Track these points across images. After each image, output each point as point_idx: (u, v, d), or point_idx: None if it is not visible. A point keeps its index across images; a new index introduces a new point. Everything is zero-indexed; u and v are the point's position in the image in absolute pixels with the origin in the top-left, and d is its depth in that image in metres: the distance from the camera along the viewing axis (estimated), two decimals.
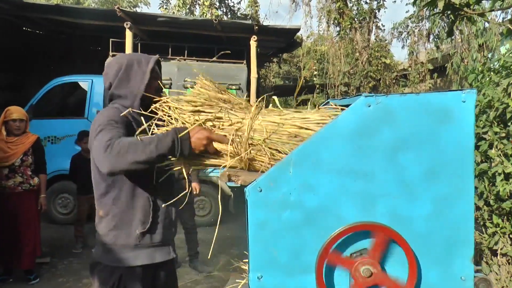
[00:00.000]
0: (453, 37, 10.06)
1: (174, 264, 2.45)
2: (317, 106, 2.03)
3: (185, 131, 1.81)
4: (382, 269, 1.60)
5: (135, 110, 2.16)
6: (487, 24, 8.76)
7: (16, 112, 4.76)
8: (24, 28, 9.86)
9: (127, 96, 2.22)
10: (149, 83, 2.25)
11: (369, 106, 1.58)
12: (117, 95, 2.25)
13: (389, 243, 1.59)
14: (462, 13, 3.00)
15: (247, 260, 1.70)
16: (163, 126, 1.93)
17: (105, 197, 2.17)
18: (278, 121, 1.80)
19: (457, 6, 2.95)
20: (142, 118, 2.02)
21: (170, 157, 1.87)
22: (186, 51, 8.12)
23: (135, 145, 1.83)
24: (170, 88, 7.84)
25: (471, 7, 2.92)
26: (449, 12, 3.07)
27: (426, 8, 3.87)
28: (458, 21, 3.17)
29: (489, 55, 8.90)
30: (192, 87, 7.17)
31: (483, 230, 3.90)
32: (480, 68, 4.10)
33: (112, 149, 1.84)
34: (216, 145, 1.84)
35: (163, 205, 2.24)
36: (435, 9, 3.22)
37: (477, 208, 3.87)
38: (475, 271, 1.61)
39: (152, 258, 2.19)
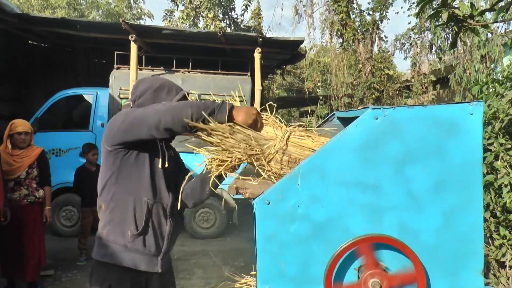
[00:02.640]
0: (455, 49, 10.08)
1: (165, 278, 2.40)
2: (319, 117, 2.05)
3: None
4: (388, 272, 1.59)
5: None
6: (489, 35, 8.79)
7: (21, 125, 4.78)
8: (29, 41, 9.93)
9: None
10: None
11: (377, 118, 1.58)
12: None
13: (374, 246, 1.58)
14: (466, 24, 3.01)
15: (254, 272, 1.69)
16: None
17: (106, 192, 2.20)
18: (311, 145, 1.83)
19: (461, 17, 2.96)
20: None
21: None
22: (190, 63, 8.15)
23: (182, 104, 1.95)
24: None
25: (475, 18, 2.93)
26: (452, 23, 3.09)
27: (429, 19, 3.89)
28: (462, 33, 3.18)
29: (492, 66, 8.91)
30: (196, 100, 7.10)
31: (490, 242, 3.88)
32: (484, 80, 4.10)
33: (163, 106, 1.95)
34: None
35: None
36: (438, 21, 3.23)
37: (484, 220, 3.85)
38: (484, 284, 1.60)
39: (136, 264, 2.16)
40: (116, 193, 2.18)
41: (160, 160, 2.20)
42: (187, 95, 2.35)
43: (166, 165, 2.21)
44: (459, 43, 10.08)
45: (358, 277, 1.60)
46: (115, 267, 2.15)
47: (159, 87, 2.31)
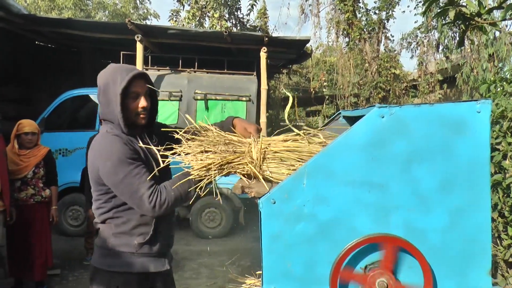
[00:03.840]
0: (463, 47, 10.02)
1: (171, 275, 2.40)
2: (325, 117, 2.05)
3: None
4: (397, 280, 1.58)
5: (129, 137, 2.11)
6: (497, 34, 8.72)
7: (28, 125, 4.81)
8: (36, 42, 9.98)
9: (113, 121, 2.10)
10: (125, 105, 2.07)
11: (383, 117, 1.57)
12: (105, 116, 2.15)
13: (398, 252, 1.57)
14: (473, 22, 2.99)
15: (260, 272, 1.69)
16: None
17: (104, 207, 2.13)
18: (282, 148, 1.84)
19: (468, 15, 2.93)
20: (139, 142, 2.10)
21: None
22: (196, 63, 8.16)
23: (180, 194, 1.97)
24: (180, 100, 7.87)
25: (482, 16, 2.91)
26: (460, 22, 3.06)
27: (436, 18, 3.86)
28: (469, 31, 3.16)
29: (500, 65, 8.85)
30: (202, 99, 7.15)
31: (498, 242, 3.84)
32: (492, 78, 4.07)
33: (158, 206, 1.95)
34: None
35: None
36: (445, 19, 3.21)
37: (492, 220, 3.82)
38: (492, 284, 1.58)
39: (146, 268, 2.14)
40: (116, 207, 2.10)
41: (155, 165, 2.07)
42: (142, 73, 2.16)
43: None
44: (466, 42, 10.02)
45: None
46: (124, 274, 2.12)
47: (105, 84, 2.11)
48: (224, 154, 1.85)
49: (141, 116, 2.12)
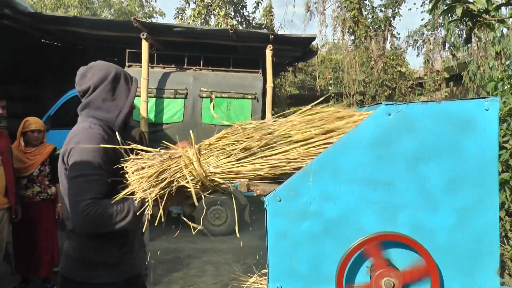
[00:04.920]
0: (469, 45, 9.96)
1: (142, 280, 2.35)
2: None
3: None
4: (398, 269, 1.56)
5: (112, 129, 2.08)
6: (505, 31, 8.65)
7: (34, 123, 4.83)
8: (42, 40, 10.01)
9: (110, 110, 2.09)
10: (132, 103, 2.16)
11: (390, 114, 1.55)
12: (97, 106, 2.09)
13: (382, 245, 1.55)
14: (481, 19, 2.96)
15: (265, 270, 1.68)
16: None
17: None
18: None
19: (476, 12, 2.91)
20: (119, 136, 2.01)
21: None
22: (202, 61, 8.16)
23: (116, 216, 1.84)
24: (186, 98, 7.87)
25: (490, 13, 2.88)
26: (467, 19, 3.04)
27: (443, 15, 3.83)
28: (476, 28, 3.13)
29: (507, 63, 8.78)
30: (208, 97, 7.14)
31: (505, 241, 3.82)
32: (499, 76, 4.04)
33: (90, 217, 1.81)
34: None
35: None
36: (452, 16, 3.18)
37: (499, 219, 3.80)
38: (500, 283, 1.57)
39: (122, 275, 2.08)
40: None
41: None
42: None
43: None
44: (473, 39, 9.96)
45: (371, 276, 1.58)
46: (102, 285, 2.03)
47: (115, 75, 2.11)
48: (161, 164, 1.76)
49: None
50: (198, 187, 1.77)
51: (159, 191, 1.75)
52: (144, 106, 7.38)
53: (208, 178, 1.74)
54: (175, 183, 1.75)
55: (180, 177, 1.75)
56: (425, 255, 1.53)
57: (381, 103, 1.60)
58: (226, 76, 8.08)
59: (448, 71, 11.97)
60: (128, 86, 2.15)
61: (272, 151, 1.73)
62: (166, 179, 1.74)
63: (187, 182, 1.73)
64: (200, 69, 8.17)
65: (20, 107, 9.01)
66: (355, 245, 1.54)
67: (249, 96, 7.87)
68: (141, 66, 7.58)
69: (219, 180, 1.75)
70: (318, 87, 14.60)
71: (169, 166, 1.75)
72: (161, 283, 5.34)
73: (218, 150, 1.78)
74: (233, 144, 1.76)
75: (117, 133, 2.03)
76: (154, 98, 7.81)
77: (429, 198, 1.57)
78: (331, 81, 15.22)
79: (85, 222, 1.82)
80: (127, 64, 8.07)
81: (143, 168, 1.78)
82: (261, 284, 2.22)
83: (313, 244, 1.57)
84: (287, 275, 1.58)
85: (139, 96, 7.46)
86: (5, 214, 4.42)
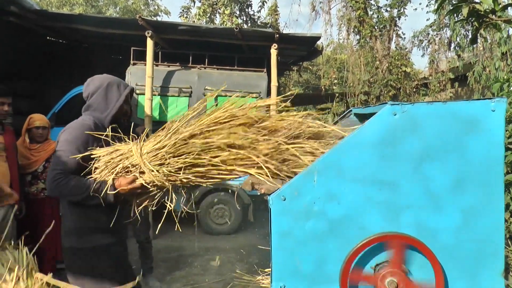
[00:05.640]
0: (475, 45, 9.92)
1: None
2: (335, 115, 2.05)
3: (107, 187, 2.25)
4: (408, 277, 1.56)
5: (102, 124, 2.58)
6: (511, 32, 8.61)
7: (39, 119, 4.84)
8: (48, 38, 10.03)
9: (102, 111, 2.63)
10: (121, 105, 2.65)
11: (395, 114, 1.55)
12: (94, 107, 2.64)
13: (406, 249, 1.55)
14: (487, 20, 2.95)
15: (269, 269, 1.68)
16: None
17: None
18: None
19: (482, 12, 2.89)
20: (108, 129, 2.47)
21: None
22: (206, 60, 8.15)
23: (76, 189, 2.31)
24: (190, 96, 7.87)
25: (497, 13, 2.86)
26: (473, 19, 3.02)
27: (449, 15, 3.81)
28: (482, 28, 3.12)
29: None
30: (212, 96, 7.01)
31: (510, 243, 3.80)
32: (505, 77, 4.02)
33: (57, 183, 2.32)
34: (138, 182, 2.19)
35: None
36: (458, 16, 3.16)
37: (504, 220, 3.77)
38: (505, 285, 1.56)
39: (114, 237, 2.59)
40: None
41: None
42: (133, 89, 2.79)
43: None
44: (479, 40, 9.91)
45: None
46: (99, 246, 2.59)
47: (109, 84, 2.66)
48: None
49: (127, 116, 2.76)
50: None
51: (113, 175, 2.23)
52: (149, 104, 7.39)
53: (146, 166, 2.10)
54: (128, 169, 2.21)
55: (128, 165, 2.18)
56: (430, 256, 1.52)
57: (386, 103, 1.59)
58: (231, 74, 8.07)
59: (453, 71, 11.92)
60: (120, 92, 2.68)
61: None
62: (119, 165, 2.20)
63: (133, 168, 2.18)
64: (205, 68, 8.16)
65: (25, 104, 9.03)
66: (360, 245, 1.54)
67: (254, 95, 7.86)
68: (145, 64, 7.58)
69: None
70: (322, 87, 14.57)
71: (118, 155, 2.22)
72: (163, 281, 5.34)
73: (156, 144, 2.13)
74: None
75: (109, 128, 2.50)
76: (159, 96, 7.81)
77: (434, 199, 1.57)
78: (335, 81, 15.20)
79: (53, 187, 2.34)
80: (132, 62, 8.07)
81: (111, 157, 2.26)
82: (264, 283, 2.21)
83: (317, 243, 1.57)
84: (291, 275, 1.58)
85: (143, 94, 7.47)
86: (10, 211, 4.43)
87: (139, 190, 2.21)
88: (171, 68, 8.13)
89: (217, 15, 13.95)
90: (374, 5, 12.30)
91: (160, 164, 2.08)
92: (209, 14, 13.59)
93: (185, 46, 8.35)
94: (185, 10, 14.16)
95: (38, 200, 4.81)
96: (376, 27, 12.13)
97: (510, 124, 3.66)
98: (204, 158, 1.96)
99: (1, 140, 4.29)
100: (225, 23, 13.19)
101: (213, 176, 2.00)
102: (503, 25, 3.16)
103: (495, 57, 9.10)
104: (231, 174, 1.96)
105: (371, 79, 12.56)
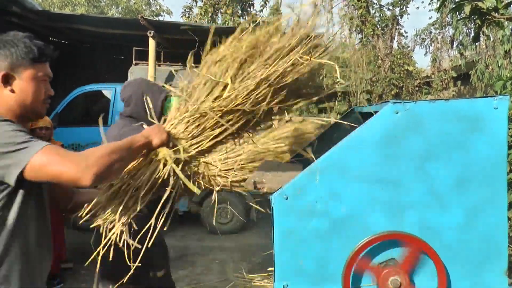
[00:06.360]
0: (478, 43, 9.90)
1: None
2: (337, 114, 2.04)
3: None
4: (411, 281, 1.56)
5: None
6: None
7: (42, 120, 4.85)
8: (50, 38, 10.05)
9: (137, 118, 2.55)
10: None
11: (397, 113, 1.55)
12: (130, 116, 2.64)
13: (421, 256, 1.55)
14: (490, 17, 2.94)
15: (272, 268, 1.68)
16: None
17: None
18: None
19: (485, 10, 2.88)
20: None
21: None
22: None
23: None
24: None
25: (499, 11, 2.86)
26: (475, 17, 3.01)
27: (451, 13, 3.80)
28: (485, 26, 3.11)
29: None
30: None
31: None
32: (508, 75, 4.01)
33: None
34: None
35: None
36: (461, 14, 3.16)
37: (507, 219, 3.76)
38: (508, 284, 1.55)
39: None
40: None
41: None
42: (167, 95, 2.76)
43: None
44: (481, 38, 9.89)
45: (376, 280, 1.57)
46: None
47: (144, 92, 2.62)
48: None
49: None
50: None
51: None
52: None
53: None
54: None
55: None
56: (432, 255, 1.52)
57: (388, 101, 1.59)
58: None
59: (456, 70, 11.91)
60: (156, 98, 2.68)
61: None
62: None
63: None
64: None
65: None
66: (362, 244, 1.53)
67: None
68: (148, 64, 7.59)
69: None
70: (324, 86, 14.54)
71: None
72: None
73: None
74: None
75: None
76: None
77: (436, 198, 1.56)
78: (337, 80, 15.16)
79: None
80: (134, 62, 8.08)
81: None
82: (267, 282, 2.22)
83: (320, 242, 1.56)
84: (294, 274, 1.57)
85: None
86: None
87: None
88: (174, 68, 8.13)
89: (219, 14, 13.95)
90: (376, 3, 12.30)
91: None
92: (211, 14, 13.58)
93: (187, 46, 8.35)
94: (187, 10, 14.16)
95: None
96: (378, 26, 12.12)
97: None
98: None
99: None
100: (227, 22, 13.19)
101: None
102: (506, 23, 3.15)
103: (498, 55, 9.09)
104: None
105: (373, 78, 12.54)
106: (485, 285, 1.55)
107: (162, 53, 8.22)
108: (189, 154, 1.78)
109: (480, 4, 2.79)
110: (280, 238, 1.57)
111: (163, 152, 1.75)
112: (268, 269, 2.02)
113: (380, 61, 12.32)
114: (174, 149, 1.77)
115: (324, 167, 1.55)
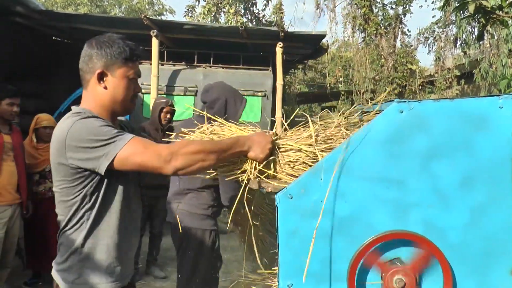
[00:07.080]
0: (482, 42, 9.86)
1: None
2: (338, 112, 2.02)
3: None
4: (417, 284, 1.55)
5: None
6: None
7: (46, 119, 4.87)
8: (53, 38, 10.07)
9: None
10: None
11: (402, 112, 1.54)
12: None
13: (432, 259, 1.54)
14: (494, 16, 2.93)
15: (276, 268, 1.68)
16: None
17: None
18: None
19: (489, 9, 2.87)
20: None
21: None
22: (212, 58, 8.15)
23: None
24: (196, 95, 7.88)
25: (504, 10, 2.85)
26: (479, 15, 3.01)
27: (455, 12, 3.80)
28: (489, 25, 3.10)
29: None
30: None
31: None
32: None
33: None
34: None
35: None
36: (464, 13, 3.15)
37: None
38: None
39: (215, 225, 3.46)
40: None
41: None
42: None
43: None
44: (485, 36, 9.85)
45: (382, 275, 1.57)
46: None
47: (227, 99, 2.93)
48: None
49: None
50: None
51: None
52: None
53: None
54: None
55: None
56: (437, 254, 1.52)
57: (392, 100, 1.58)
58: (236, 73, 8.06)
59: (459, 69, 11.86)
60: (237, 107, 3.06)
61: None
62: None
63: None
64: (210, 67, 8.16)
65: (31, 103, 9.07)
66: (367, 243, 1.53)
67: (259, 94, 7.85)
68: (151, 64, 7.60)
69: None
70: (328, 85, 14.55)
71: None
72: (170, 279, 5.36)
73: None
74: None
75: None
76: (164, 96, 7.83)
77: (442, 197, 1.56)
78: (341, 79, 15.17)
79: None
80: None
81: None
82: (271, 281, 2.21)
83: (324, 242, 1.56)
84: (298, 273, 1.57)
85: (149, 93, 7.48)
86: (17, 210, 4.45)
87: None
88: (177, 67, 8.14)
89: (222, 13, 13.96)
90: (379, 2, 12.28)
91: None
92: (213, 13, 13.60)
93: (190, 45, 8.35)
94: (190, 9, 14.19)
95: (46, 200, 4.83)
96: (381, 25, 12.09)
97: None
98: None
99: (9, 140, 4.32)
100: (230, 21, 13.20)
101: None
102: (510, 21, 3.13)
103: (502, 54, 9.04)
104: None
105: (377, 77, 12.52)
106: (491, 284, 1.55)
107: (165, 52, 8.22)
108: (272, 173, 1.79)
109: (484, 2, 2.78)
110: (284, 237, 1.57)
111: (249, 165, 1.79)
112: (272, 268, 2.02)
113: (383, 60, 12.30)
114: (261, 165, 1.78)
115: (328, 166, 1.55)
